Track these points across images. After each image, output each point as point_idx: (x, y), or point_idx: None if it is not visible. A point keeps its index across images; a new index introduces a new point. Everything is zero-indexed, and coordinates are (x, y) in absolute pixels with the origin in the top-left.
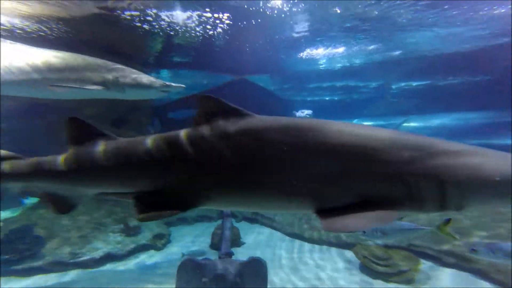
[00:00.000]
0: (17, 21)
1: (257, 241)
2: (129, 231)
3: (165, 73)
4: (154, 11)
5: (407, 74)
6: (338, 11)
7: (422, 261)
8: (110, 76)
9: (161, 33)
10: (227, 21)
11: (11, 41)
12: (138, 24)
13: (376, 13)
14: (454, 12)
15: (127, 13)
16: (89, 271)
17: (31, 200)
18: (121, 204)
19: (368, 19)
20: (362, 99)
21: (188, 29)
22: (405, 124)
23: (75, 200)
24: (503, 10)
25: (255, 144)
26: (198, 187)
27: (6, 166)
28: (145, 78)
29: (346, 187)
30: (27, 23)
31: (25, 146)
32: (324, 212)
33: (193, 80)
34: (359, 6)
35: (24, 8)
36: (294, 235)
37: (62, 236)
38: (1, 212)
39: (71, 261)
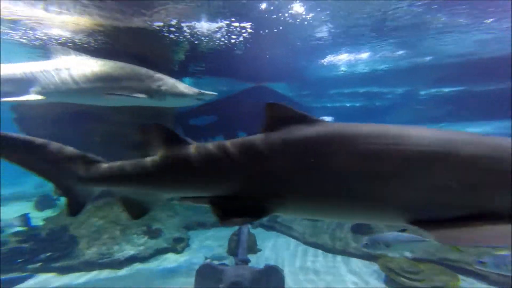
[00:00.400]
0: (67, 34)
1: (274, 248)
2: (151, 234)
3: (186, 80)
4: (183, 23)
5: (438, 80)
6: (365, 16)
7: (461, 277)
8: (153, 85)
9: (185, 42)
10: (249, 30)
11: (75, 52)
12: (165, 34)
13: (407, 18)
14: (491, 20)
15: (156, 24)
16: (115, 271)
17: (63, 201)
18: None
19: (397, 25)
20: (386, 106)
21: (211, 38)
22: None
23: (150, 205)
24: None
25: (340, 152)
26: (272, 194)
27: (89, 169)
28: (183, 87)
29: (452, 199)
30: (75, 35)
31: None
32: (425, 223)
33: (212, 87)
34: (389, 12)
35: (77, 21)
36: (314, 244)
37: (92, 237)
38: (42, 212)
39: (100, 261)
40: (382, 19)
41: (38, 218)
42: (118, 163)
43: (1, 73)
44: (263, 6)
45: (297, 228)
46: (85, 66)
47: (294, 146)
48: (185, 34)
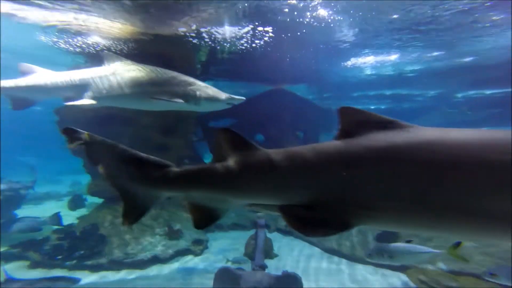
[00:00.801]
0: (104, 40)
1: (291, 254)
2: (172, 234)
3: (206, 83)
4: (207, 28)
5: (478, 82)
6: (395, 17)
7: None
8: (190, 90)
9: (207, 46)
10: (271, 34)
11: (124, 59)
12: (189, 40)
13: (446, 18)
14: None
15: (181, 29)
16: (138, 271)
17: (93, 200)
18: (166, 208)
19: (434, 27)
20: (415, 108)
21: (233, 43)
22: None
23: (219, 212)
24: None
25: (442, 161)
26: (358, 205)
27: (160, 174)
28: (215, 92)
29: None
30: (111, 42)
31: None
32: None
33: (232, 90)
34: (423, 12)
35: (110, 29)
36: (332, 251)
37: (119, 236)
38: (75, 211)
39: (125, 261)
40: (415, 20)
41: (72, 216)
42: (188, 168)
43: (63, 80)
44: (287, 10)
45: None
46: (133, 72)
47: (381, 154)
48: (207, 39)
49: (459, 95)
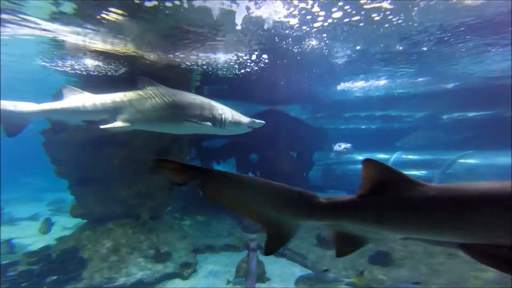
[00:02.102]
0: (97, 62)
1: (284, 278)
2: (160, 257)
3: None
4: (201, 54)
5: (461, 105)
6: (382, 45)
7: None
8: (217, 114)
9: (200, 70)
10: (266, 60)
11: (155, 82)
12: (185, 65)
13: (425, 49)
14: None
15: (180, 54)
16: None
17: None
18: (156, 230)
19: (415, 53)
20: (405, 128)
21: (227, 67)
22: (461, 160)
23: (367, 240)
24: None
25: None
26: None
27: (307, 205)
28: (239, 116)
29: None
30: (106, 64)
31: (86, 174)
32: None
33: None
34: (411, 39)
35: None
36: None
37: (102, 259)
38: (47, 234)
39: (105, 286)
40: (402, 47)
41: (52, 237)
42: (335, 199)
43: (99, 102)
44: (283, 40)
45: (310, 256)
46: (166, 97)
47: None
48: (202, 64)
49: (445, 116)
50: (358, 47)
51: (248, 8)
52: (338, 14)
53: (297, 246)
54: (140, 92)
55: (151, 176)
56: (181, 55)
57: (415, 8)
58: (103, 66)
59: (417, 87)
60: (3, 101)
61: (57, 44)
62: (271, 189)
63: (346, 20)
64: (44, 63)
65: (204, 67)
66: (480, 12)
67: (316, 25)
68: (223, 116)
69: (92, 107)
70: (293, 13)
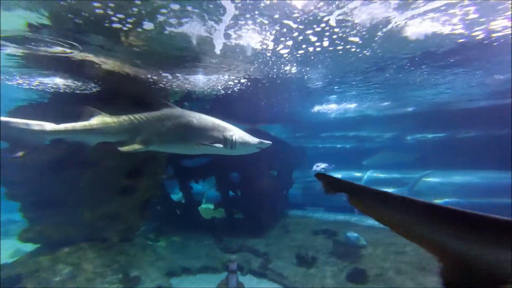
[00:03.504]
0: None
1: None
2: (128, 282)
3: None
4: (178, 74)
5: (423, 126)
6: (350, 74)
7: None
8: (228, 135)
9: (179, 89)
10: (247, 83)
11: (170, 104)
12: (160, 86)
13: (387, 75)
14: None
15: (151, 75)
16: None
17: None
18: (125, 253)
19: (380, 81)
20: (374, 149)
21: (208, 88)
22: (425, 179)
23: None
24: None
25: None
26: None
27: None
28: (248, 137)
29: None
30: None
31: (44, 196)
32: None
33: None
34: (372, 69)
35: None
36: None
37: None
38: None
39: None
40: (366, 75)
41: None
42: None
43: (118, 124)
44: (262, 65)
45: (290, 276)
46: (181, 118)
47: None
48: (181, 83)
49: (409, 137)
50: (330, 75)
51: (227, 36)
52: (313, 40)
53: (277, 266)
54: (158, 114)
55: (120, 197)
56: (162, 74)
57: (376, 39)
58: (72, 83)
59: (383, 110)
60: (14, 119)
61: (19, 59)
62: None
63: (318, 49)
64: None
65: (186, 86)
66: (424, 44)
67: (290, 53)
68: (234, 137)
69: (112, 129)
70: (268, 43)
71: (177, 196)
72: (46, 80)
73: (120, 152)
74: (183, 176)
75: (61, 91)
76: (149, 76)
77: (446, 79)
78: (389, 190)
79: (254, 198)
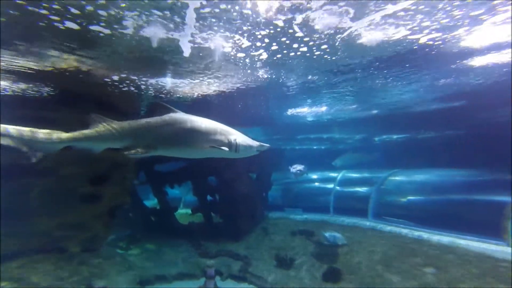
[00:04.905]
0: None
1: None
2: None
3: None
4: (144, 79)
5: (387, 128)
6: (316, 77)
7: None
8: (232, 139)
9: (150, 93)
10: (220, 87)
11: (174, 109)
12: (127, 89)
13: (353, 79)
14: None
15: (115, 78)
16: None
17: None
18: (87, 263)
19: (346, 85)
20: (346, 150)
21: (182, 92)
22: (391, 178)
23: None
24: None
25: None
26: None
27: None
28: (249, 140)
29: None
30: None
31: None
32: None
33: None
34: (338, 74)
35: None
36: None
37: None
38: None
39: None
40: (334, 80)
41: None
42: None
43: (123, 129)
44: (234, 69)
45: (269, 279)
46: (186, 123)
47: None
48: (150, 87)
49: (376, 138)
50: (297, 78)
51: (194, 38)
52: (275, 47)
53: (257, 268)
54: (163, 119)
55: (83, 205)
56: (129, 77)
57: (337, 45)
58: (21, 86)
59: (352, 113)
60: (17, 127)
61: None
62: None
63: (292, 54)
64: None
65: (158, 89)
66: (380, 50)
67: (261, 57)
68: (237, 141)
69: (118, 134)
70: (238, 46)
71: (152, 202)
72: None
73: (81, 158)
74: (157, 182)
75: (8, 92)
76: (113, 78)
77: (402, 83)
78: (361, 189)
79: (233, 202)
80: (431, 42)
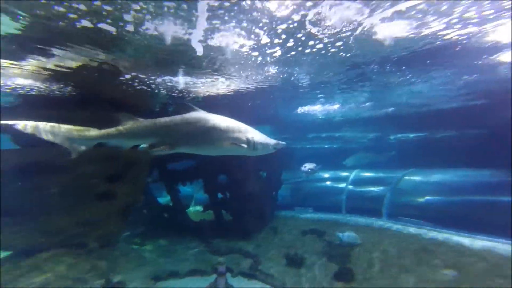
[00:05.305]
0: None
1: None
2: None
3: None
4: (156, 79)
5: (403, 127)
6: (331, 74)
7: None
8: (250, 136)
9: (164, 92)
10: (231, 86)
11: (196, 108)
12: (143, 87)
13: (369, 77)
14: (436, 76)
15: (127, 76)
16: None
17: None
18: (106, 258)
19: (361, 82)
20: (361, 148)
21: (193, 91)
22: (407, 177)
23: None
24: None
25: None
26: None
27: None
28: (266, 138)
29: None
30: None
31: (17, 204)
32: None
33: None
34: (353, 71)
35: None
36: None
37: None
38: None
39: None
40: (346, 76)
41: None
42: None
43: (150, 127)
44: (245, 68)
45: (279, 277)
46: (208, 121)
47: None
48: (163, 86)
49: (392, 137)
50: (310, 75)
51: (205, 36)
52: (291, 44)
53: (267, 267)
54: (186, 117)
55: (99, 203)
56: (142, 77)
57: (351, 42)
58: (43, 85)
59: (366, 111)
60: (54, 124)
61: None
62: None
63: (308, 51)
64: None
65: (170, 88)
66: (397, 47)
67: (274, 54)
68: (255, 139)
69: (145, 132)
70: (250, 44)
71: (165, 199)
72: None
73: (97, 157)
74: (170, 179)
75: (34, 92)
76: (128, 76)
77: (422, 80)
78: (375, 188)
79: (243, 200)
80: (457, 37)
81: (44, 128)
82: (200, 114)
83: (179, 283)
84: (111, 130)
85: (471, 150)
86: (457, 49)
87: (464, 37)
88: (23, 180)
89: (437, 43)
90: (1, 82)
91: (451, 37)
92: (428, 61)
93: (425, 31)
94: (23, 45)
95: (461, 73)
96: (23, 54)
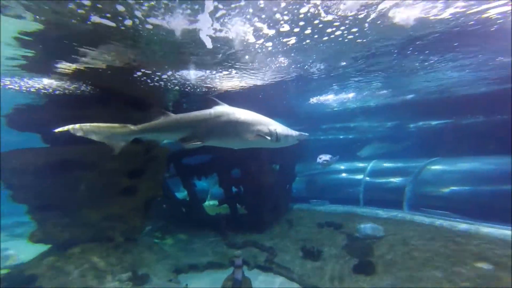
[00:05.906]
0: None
1: None
2: (137, 280)
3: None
4: (170, 73)
5: (425, 114)
6: (345, 63)
7: None
8: (272, 129)
9: (177, 87)
10: (241, 78)
11: (221, 102)
12: (156, 84)
13: (385, 62)
14: (466, 60)
15: (141, 72)
16: None
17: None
18: (132, 251)
19: (378, 68)
20: (377, 138)
21: (200, 85)
22: (430, 167)
23: None
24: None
25: None
26: None
27: None
28: (288, 130)
29: None
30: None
31: (51, 199)
32: None
33: None
34: (369, 56)
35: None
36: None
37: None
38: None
39: None
40: (363, 63)
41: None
42: None
43: (181, 122)
44: (254, 59)
45: (296, 270)
46: (233, 115)
47: None
48: (175, 82)
49: (411, 125)
50: (324, 64)
51: (213, 28)
52: (308, 31)
53: (283, 260)
54: (211, 111)
55: (122, 198)
56: (157, 73)
57: (367, 26)
58: (66, 85)
59: (383, 99)
60: (97, 123)
61: (19, 63)
62: None
63: (325, 38)
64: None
65: (182, 83)
66: (424, 29)
67: (288, 43)
68: (277, 130)
69: (176, 127)
70: (260, 34)
71: (183, 194)
72: (35, 82)
73: (120, 153)
74: (185, 174)
75: (56, 92)
76: (139, 73)
77: (447, 64)
78: (394, 179)
79: (257, 193)
80: (494, 16)
81: (88, 128)
82: (224, 108)
83: (199, 276)
84: (146, 125)
85: (502, 136)
86: (493, 29)
87: (500, 16)
88: (54, 177)
89: (470, 23)
90: (29, 83)
91: (489, 16)
92: (455, 44)
93: (456, 9)
94: (48, 46)
95: (495, 55)
96: (51, 55)
